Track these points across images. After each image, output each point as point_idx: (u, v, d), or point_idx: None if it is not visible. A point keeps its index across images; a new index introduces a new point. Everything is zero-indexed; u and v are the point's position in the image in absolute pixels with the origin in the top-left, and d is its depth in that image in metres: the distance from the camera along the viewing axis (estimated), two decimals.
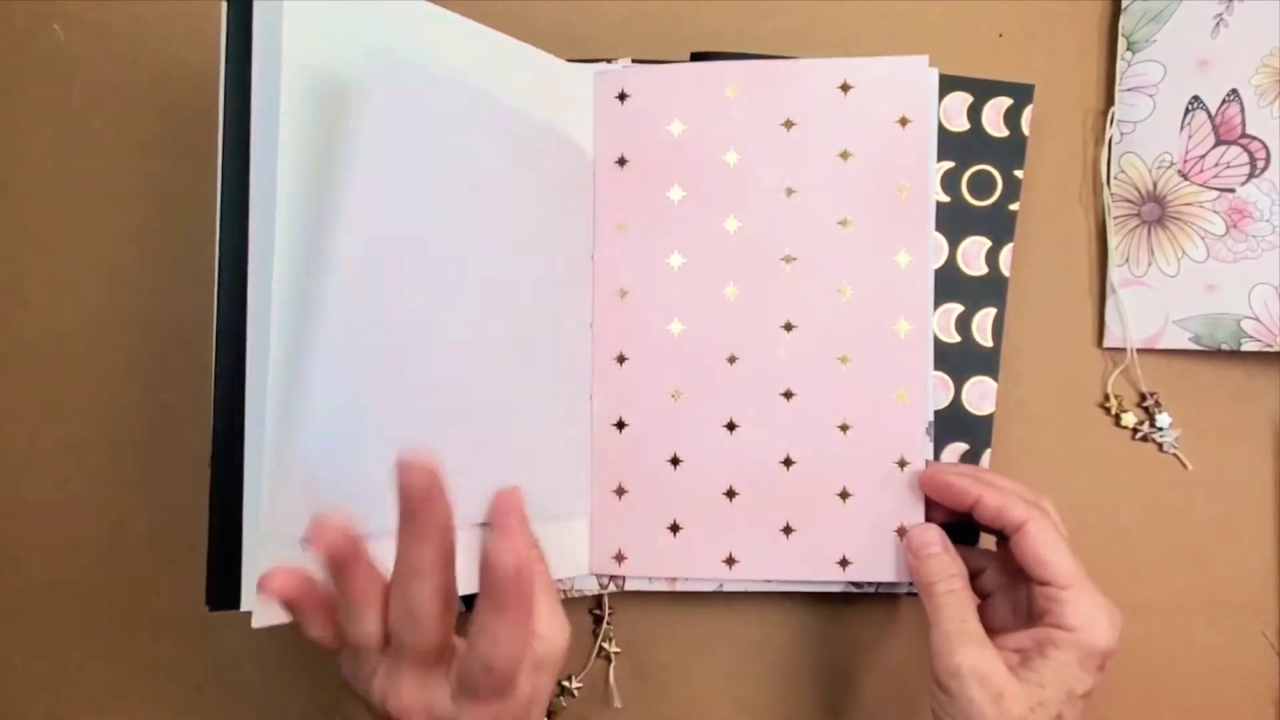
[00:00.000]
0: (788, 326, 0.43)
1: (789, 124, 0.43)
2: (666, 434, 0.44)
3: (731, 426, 0.43)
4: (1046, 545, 0.38)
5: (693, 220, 0.44)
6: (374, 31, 0.38)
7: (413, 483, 0.30)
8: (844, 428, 0.43)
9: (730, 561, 0.43)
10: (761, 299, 0.44)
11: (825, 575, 0.43)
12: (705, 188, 0.44)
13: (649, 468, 0.44)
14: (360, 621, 0.33)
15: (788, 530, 0.43)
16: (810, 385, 0.43)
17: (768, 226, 0.43)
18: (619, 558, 0.44)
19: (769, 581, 0.44)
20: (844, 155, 0.43)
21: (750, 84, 0.44)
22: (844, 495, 0.43)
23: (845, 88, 0.43)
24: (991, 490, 0.40)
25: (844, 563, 0.43)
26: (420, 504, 0.30)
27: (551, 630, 0.35)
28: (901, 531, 0.42)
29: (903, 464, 0.43)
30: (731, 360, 0.44)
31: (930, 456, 0.44)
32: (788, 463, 0.43)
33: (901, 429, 0.43)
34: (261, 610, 0.34)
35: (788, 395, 0.43)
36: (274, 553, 0.35)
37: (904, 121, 0.43)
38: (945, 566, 0.40)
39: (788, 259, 0.43)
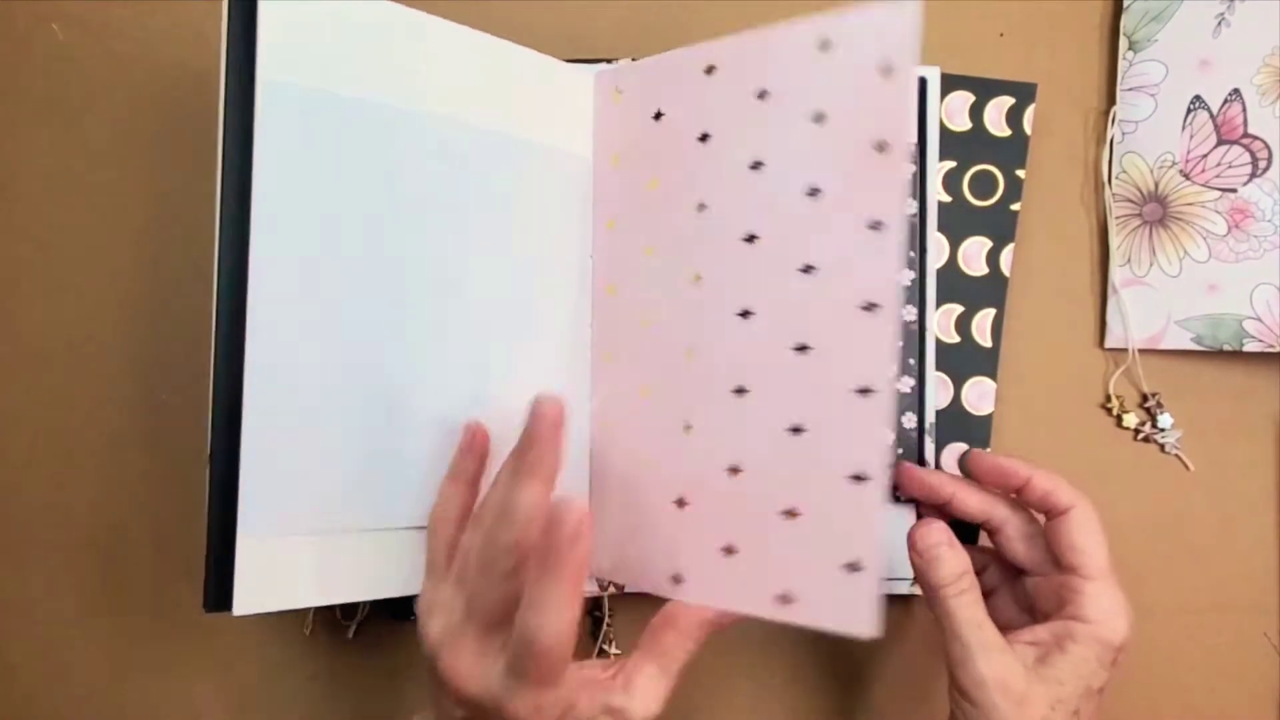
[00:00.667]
0: (744, 313, 0.38)
1: (763, 94, 0.38)
2: (634, 435, 0.41)
3: (688, 427, 0.39)
4: (1087, 533, 0.39)
5: (666, 208, 0.41)
6: (361, 42, 0.39)
7: (544, 412, 0.33)
8: (796, 430, 0.36)
9: (676, 580, 0.38)
10: (720, 285, 0.39)
11: (760, 610, 0.36)
12: (677, 172, 0.41)
13: (620, 470, 0.42)
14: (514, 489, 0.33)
15: (729, 550, 0.37)
16: (764, 380, 0.37)
17: (732, 205, 0.39)
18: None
19: None
20: (818, 118, 0.37)
21: (729, 59, 0.40)
22: (791, 513, 0.36)
23: (825, 46, 0.37)
24: (1042, 473, 0.40)
25: (784, 599, 0.36)
26: (545, 434, 0.33)
27: (644, 692, 0.35)
28: (853, 566, 0.34)
29: (859, 478, 0.34)
30: (689, 354, 0.39)
31: (929, 459, 0.43)
32: (734, 470, 0.37)
33: (861, 433, 0.35)
34: (244, 598, 0.36)
35: (740, 392, 0.38)
36: (255, 546, 0.36)
37: (886, 72, 0.36)
38: (954, 566, 0.39)
39: (749, 238, 0.38)
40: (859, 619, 0.34)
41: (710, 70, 0.40)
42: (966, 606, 0.38)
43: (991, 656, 0.37)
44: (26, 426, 0.47)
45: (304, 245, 0.37)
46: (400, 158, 0.39)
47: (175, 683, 0.46)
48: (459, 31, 0.40)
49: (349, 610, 0.46)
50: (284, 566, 0.38)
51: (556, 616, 0.31)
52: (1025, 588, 0.41)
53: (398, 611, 0.46)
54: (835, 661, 0.47)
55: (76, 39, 0.48)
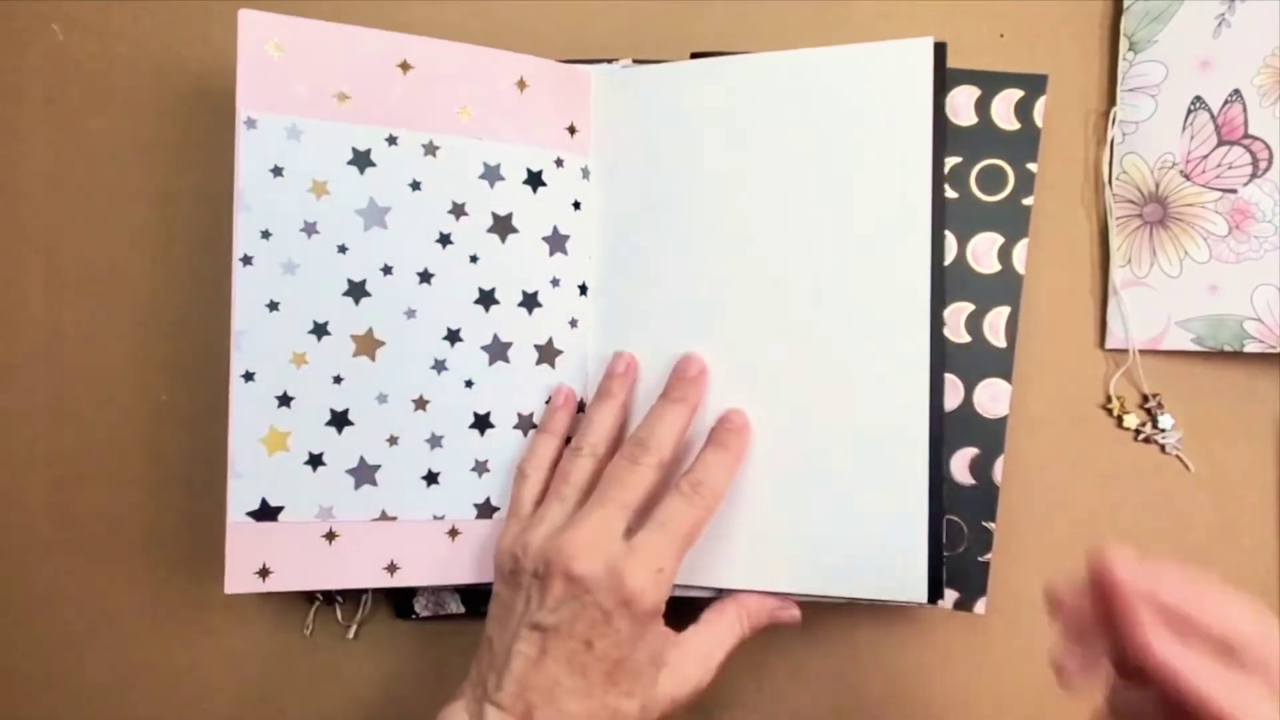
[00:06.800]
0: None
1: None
2: None
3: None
4: None
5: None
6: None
7: (688, 366, 0.41)
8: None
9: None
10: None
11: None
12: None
13: None
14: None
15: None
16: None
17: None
18: None
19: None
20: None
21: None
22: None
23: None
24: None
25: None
26: (689, 381, 0.41)
27: (689, 665, 0.38)
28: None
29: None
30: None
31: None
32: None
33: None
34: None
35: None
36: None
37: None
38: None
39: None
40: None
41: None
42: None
43: None
44: (26, 426, 0.47)
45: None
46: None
47: (175, 682, 0.46)
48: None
49: (349, 610, 0.46)
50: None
51: (720, 468, 0.39)
52: None
53: (398, 611, 0.46)
54: (835, 661, 0.47)
55: (76, 39, 0.48)
